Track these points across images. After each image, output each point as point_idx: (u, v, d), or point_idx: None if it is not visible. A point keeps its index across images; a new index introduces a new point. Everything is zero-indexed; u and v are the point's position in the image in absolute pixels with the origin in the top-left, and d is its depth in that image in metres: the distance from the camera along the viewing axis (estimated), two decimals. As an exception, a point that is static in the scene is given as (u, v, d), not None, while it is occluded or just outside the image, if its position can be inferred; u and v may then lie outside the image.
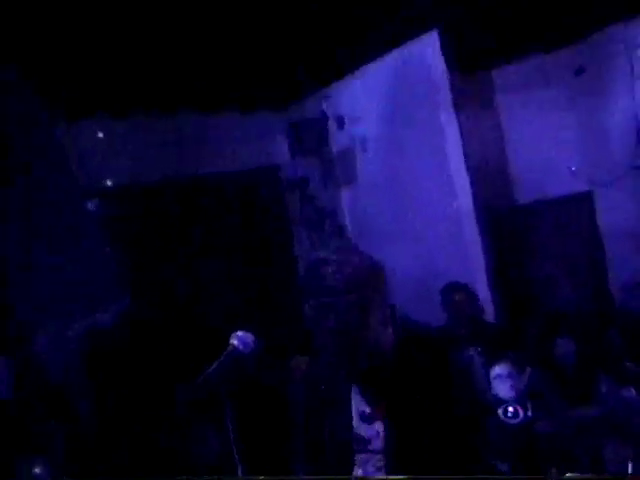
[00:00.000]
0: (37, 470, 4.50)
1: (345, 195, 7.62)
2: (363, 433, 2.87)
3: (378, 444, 2.85)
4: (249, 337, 2.88)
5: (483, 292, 6.48)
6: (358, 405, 2.90)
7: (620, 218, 7.03)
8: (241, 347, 2.83)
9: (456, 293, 6.26)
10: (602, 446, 5.05)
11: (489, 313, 6.54)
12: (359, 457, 2.89)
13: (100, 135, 6.30)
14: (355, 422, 2.89)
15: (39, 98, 5.37)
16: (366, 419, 2.88)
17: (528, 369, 5.34)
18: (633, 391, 4.90)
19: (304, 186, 7.41)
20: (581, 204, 7.37)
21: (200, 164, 6.92)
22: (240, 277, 6.94)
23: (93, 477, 4.85)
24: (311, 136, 7.29)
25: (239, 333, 2.87)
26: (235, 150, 7.13)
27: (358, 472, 2.87)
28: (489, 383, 5.12)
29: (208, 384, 2.79)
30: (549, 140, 7.26)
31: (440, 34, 6.53)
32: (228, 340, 2.88)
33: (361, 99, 7.27)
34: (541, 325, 6.38)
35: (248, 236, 7.23)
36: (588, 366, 5.86)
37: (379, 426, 2.85)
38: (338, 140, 7.51)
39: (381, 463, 2.85)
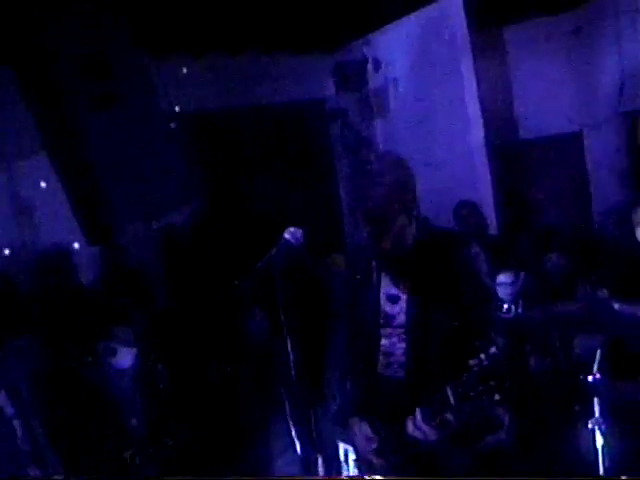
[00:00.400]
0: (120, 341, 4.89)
1: (378, 125, 8.83)
2: (389, 310, 3.22)
3: (401, 319, 3.18)
4: (299, 232, 3.19)
5: (489, 210, 7.61)
6: (386, 288, 3.26)
7: (604, 155, 8.24)
8: (292, 240, 3.13)
9: (465, 209, 7.25)
10: (574, 336, 5.69)
11: (493, 228, 7.65)
12: (385, 331, 3.24)
13: (184, 70, 7.45)
14: (382, 302, 3.24)
15: (133, 35, 5.69)
16: (391, 299, 3.24)
17: (522, 274, 6.01)
18: (605, 292, 5.15)
19: (345, 116, 8.55)
20: (573, 142, 8.50)
21: (260, 96, 8.00)
22: (291, 188, 7.89)
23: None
24: (353, 75, 8.47)
25: (291, 229, 3.19)
26: (288, 85, 8.21)
27: (383, 343, 3.24)
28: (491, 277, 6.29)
29: (265, 269, 3.09)
30: (549, 88, 8.33)
31: None
32: (281, 234, 3.21)
33: (396, 46, 8.36)
34: (535, 240, 7.30)
35: (298, 155, 8.25)
36: (571, 275, 6.62)
37: (402, 305, 3.19)
38: (374, 80, 8.68)
39: (403, 336, 3.18)
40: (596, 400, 3.88)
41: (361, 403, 3.37)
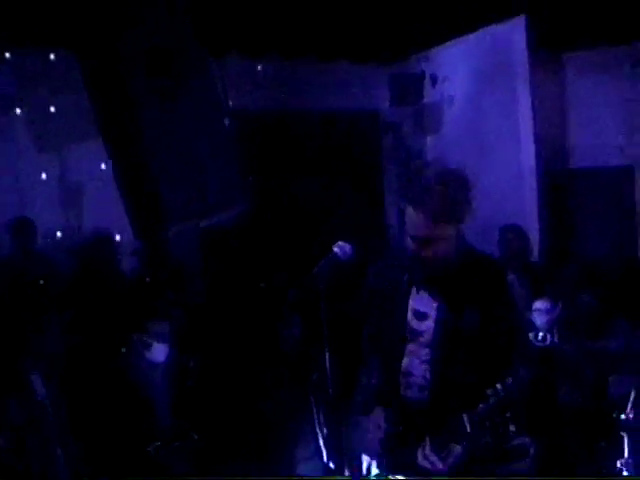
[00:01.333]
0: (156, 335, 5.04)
1: (430, 142, 8.79)
2: (416, 327, 3.17)
3: (427, 338, 3.14)
4: (347, 247, 3.08)
5: (534, 236, 7.49)
6: (415, 303, 3.20)
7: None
8: (340, 254, 3.05)
9: (511, 233, 7.12)
10: (609, 374, 5.56)
11: (535, 255, 7.58)
12: (409, 347, 3.20)
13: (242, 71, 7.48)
14: (410, 318, 3.18)
15: (196, 32, 5.93)
16: (419, 316, 3.18)
17: (559, 304, 5.85)
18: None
19: (398, 130, 8.56)
20: (623, 176, 8.37)
21: (314, 102, 8.07)
22: (338, 198, 7.94)
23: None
24: (410, 89, 8.43)
25: (340, 243, 3.08)
26: (343, 94, 8.27)
27: (405, 362, 3.19)
28: (527, 307, 5.73)
29: (311, 281, 2.99)
30: (604, 119, 8.21)
31: (527, 19, 7.53)
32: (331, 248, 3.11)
33: (454, 63, 8.35)
34: (576, 271, 7.08)
35: (348, 165, 8.29)
36: (609, 312, 6.40)
37: (429, 323, 3.14)
38: (430, 95, 8.65)
39: (427, 357, 3.15)
40: (626, 440, 3.86)
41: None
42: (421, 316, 3.19)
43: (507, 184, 7.78)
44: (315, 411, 4.92)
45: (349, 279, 3.22)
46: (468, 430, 2.83)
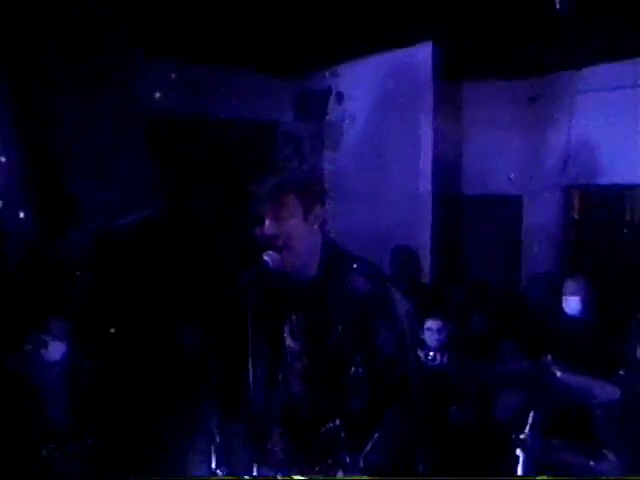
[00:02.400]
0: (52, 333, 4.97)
1: (328, 158, 8.83)
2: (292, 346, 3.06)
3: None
4: (276, 256, 2.96)
5: (425, 257, 7.72)
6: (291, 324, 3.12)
7: (540, 222, 8.52)
8: (270, 263, 2.93)
9: (402, 254, 7.33)
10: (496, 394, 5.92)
11: (425, 275, 7.80)
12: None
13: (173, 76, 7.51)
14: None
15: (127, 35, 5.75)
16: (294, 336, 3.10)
17: (448, 326, 6.05)
18: (549, 358, 5.59)
19: (299, 143, 8.64)
20: (512, 205, 8.79)
21: (219, 109, 8.09)
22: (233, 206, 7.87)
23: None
24: (315, 105, 8.57)
25: (270, 252, 2.94)
26: (247, 103, 8.28)
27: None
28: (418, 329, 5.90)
29: (238, 291, 2.90)
30: (498, 149, 8.58)
31: (433, 46, 7.73)
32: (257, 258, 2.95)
33: (361, 82, 8.42)
34: (464, 293, 7.43)
35: (242, 173, 8.14)
36: (494, 334, 6.82)
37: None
38: (333, 112, 8.76)
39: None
40: (521, 459, 4.01)
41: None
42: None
43: (402, 205, 7.97)
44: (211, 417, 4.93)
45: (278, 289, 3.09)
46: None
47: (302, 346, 3.06)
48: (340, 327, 2.94)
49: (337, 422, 2.87)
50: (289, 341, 3.10)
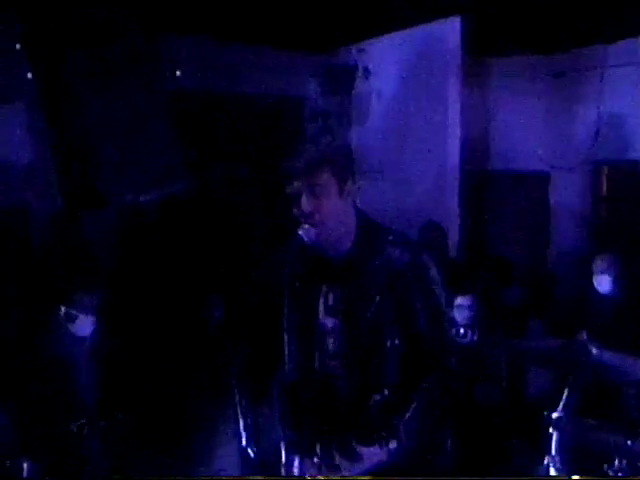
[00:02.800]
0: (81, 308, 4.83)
1: (355, 134, 8.79)
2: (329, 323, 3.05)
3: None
4: (312, 231, 2.95)
5: (454, 234, 7.67)
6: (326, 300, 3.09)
7: (568, 199, 8.51)
8: (305, 238, 2.92)
9: (431, 231, 7.23)
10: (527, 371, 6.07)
11: (454, 252, 7.72)
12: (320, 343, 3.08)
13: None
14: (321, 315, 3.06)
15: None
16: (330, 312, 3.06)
17: (478, 302, 6.03)
18: (584, 335, 5.21)
19: (326, 119, 8.48)
20: (540, 181, 8.77)
21: (246, 85, 8.06)
22: (260, 183, 7.69)
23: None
24: (342, 80, 8.48)
25: (305, 226, 2.93)
26: (273, 79, 8.22)
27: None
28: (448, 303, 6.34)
29: (274, 266, 3.01)
30: (526, 125, 8.55)
31: (462, 21, 7.60)
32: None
33: (387, 58, 8.34)
34: (494, 270, 7.43)
35: (270, 150, 7.98)
36: (524, 311, 6.93)
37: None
38: (360, 87, 8.68)
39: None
40: (555, 437, 3.96)
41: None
42: (332, 311, 3.07)
43: (430, 182, 7.91)
44: (237, 396, 4.92)
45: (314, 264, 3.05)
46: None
47: (338, 322, 3.00)
48: (378, 299, 2.91)
49: (385, 392, 2.83)
50: (323, 318, 3.05)
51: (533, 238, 8.86)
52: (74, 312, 4.80)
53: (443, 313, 3.09)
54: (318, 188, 2.89)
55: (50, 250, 6.09)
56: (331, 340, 3.03)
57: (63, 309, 4.80)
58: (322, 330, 3.05)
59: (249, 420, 4.40)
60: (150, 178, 5.67)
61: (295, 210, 2.92)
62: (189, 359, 5.60)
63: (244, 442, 4.36)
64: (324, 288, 3.06)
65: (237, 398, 4.90)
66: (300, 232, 2.92)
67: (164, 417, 5.14)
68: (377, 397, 2.86)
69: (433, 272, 3.00)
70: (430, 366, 2.90)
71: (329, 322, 3.04)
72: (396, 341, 2.92)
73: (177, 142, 5.85)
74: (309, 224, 2.92)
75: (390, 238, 3.02)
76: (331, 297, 3.04)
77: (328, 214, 2.93)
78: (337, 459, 2.83)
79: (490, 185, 8.91)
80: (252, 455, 4.15)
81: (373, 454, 2.81)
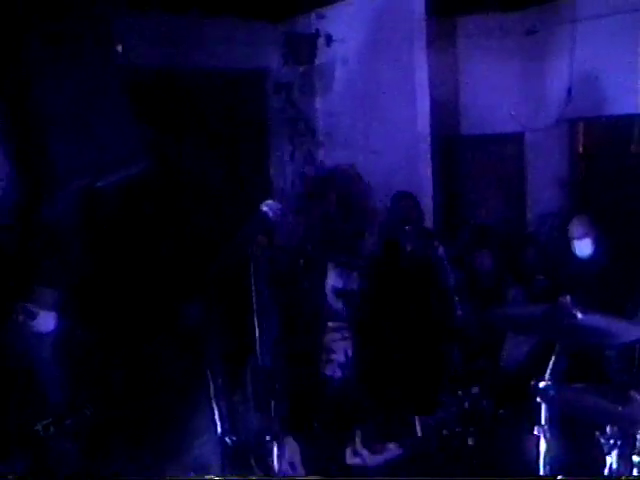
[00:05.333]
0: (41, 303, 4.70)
1: (320, 104, 8.62)
2: (335, 304, 3.22)
3: (349, 315, 3.18)
4: (278, 206, 3.00)
5: (427, 202, 7.49)
6: (333, 280, 3.26)
7: (543, 159, 8.46)
8: (270, 214, 2.94)
9: (403, 200, 7.08)
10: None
11: (429, 220, 7.50)
12: (330, 325, 3.23)
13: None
14: (329, 295, 3.22)
15: None
16: (339, 293, 3.23)
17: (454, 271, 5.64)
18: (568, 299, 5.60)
19: (290, 91, 8.39)
20: (514, 143, 8.71)
21: (203, 59, 7.87)
22: (222, 159, 7.52)
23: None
24: (304, 49, 8.25)
25: (269, 201, 2.99)
26: (232, 52, 8.08)
27: (326, 339, 3.22)
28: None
29: (239, 244, 2.95)
30: (497, 86, 8.44)
31: None
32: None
33: (350, 24, 8.15)
34: (468, 236, 7.53)
35: (234, 124, 8.13)
36: (501, 276, 6.85)
37: (352, 299, 3.18)
38: (322, 55, 8.45)
39: (348, 334, 3.20)
40: (543, 407, 3.90)
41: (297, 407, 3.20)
42: (341, 293, 3.16)
43: (400, 150, 7.76)
44: (212, 385, 4.84)
45: (279, 241, 3.07)
46: (418, 434, 2.74)
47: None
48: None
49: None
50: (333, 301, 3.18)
51: (510, 202, 8.80)
52: (34, 309, 4.67)
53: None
54: None
55: (6, 242, 5.95)
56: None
57: (22, 305, 4.67)
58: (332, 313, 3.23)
59: (224, 408, 4.35)
60: (108, 160, 5.44)
61: None
62: (160, 349, 5.51)
63: (220, 431, 4.32)
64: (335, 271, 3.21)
65: (212, 387, 4.86)
66: (264, 208, 2.80)
67: (135, 410, 4.98)
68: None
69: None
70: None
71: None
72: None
73: (134, 121, 5.68)
74: None
75: None
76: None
77: None
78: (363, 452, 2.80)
79: (463, 150, 8.82)
80: (230, 443, 4.11)
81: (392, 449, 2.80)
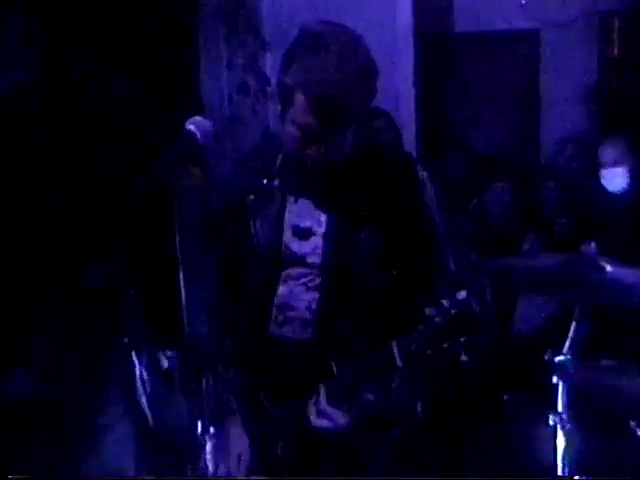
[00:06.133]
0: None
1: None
2: (296, 248, 3.20)
3: (314, 260, 3.17)
4: (207, 123, 2.98)
5: (408, 121, 7.63)
6: (293, 219, 3.22)
7: (565, 65, 8.43)
8: (198, 134, 2.91)
9: (376, 120, 7.17)
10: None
11: (410, 145, 7.59)
12: (287, 273, 3.22)
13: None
14: (286, 237, 3.20)
15: None
16: (301, 234, 3.21)
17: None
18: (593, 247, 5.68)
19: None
20: (526, 42, 8.73)
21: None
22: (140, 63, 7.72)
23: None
24: None
25: (197, 118, 2.95)
26: None
27: (281, 292, 3.21)
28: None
29: (160, 171, 2.89)
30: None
31: None
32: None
33: None
34: (468, 166, 7.56)
35: (153, 21, 8.06)
36: (517, 218, 7.05)
37: (316, 241, 3.17)
38: None
39: (315, 281, 3.19)
40: (561, 388, 3.98)
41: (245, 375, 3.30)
42: (304, 233, 3.18)
43: (374, 46, 7.76)
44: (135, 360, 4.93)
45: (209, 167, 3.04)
46: (399, 364, 2.81)
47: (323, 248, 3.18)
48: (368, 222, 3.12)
49: None
50: (293, 243, 3.20)
51: (519, 121, 8.88)
52: None
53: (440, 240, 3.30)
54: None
55: None
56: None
57: None
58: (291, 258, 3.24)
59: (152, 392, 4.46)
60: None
61: None
62: (54, 312, 5.62)
63: (151, 421, 4.45)
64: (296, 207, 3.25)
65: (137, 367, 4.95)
66: (189, 126, 2.87)
67: (38, 400, 5.09)
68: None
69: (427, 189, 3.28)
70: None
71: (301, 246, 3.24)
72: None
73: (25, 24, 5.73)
74: None
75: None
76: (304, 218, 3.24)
77: None
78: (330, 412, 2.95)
79: (456, 53, 8.83)
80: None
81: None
